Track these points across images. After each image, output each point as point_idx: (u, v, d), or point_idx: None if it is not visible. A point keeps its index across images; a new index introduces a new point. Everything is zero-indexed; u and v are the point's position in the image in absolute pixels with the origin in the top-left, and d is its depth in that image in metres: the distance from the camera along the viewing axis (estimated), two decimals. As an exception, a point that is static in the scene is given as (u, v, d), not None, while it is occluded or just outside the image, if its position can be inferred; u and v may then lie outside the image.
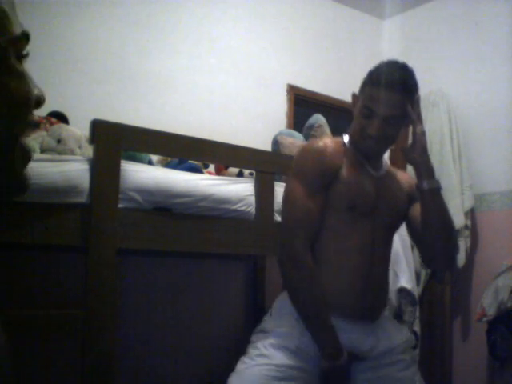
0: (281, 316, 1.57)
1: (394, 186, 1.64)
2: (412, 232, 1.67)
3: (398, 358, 1.57)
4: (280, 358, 1.47)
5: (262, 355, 1.49)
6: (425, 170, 1.51)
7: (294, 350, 1.49)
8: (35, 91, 0.60)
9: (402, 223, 1.69)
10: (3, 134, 0.55)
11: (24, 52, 0.58)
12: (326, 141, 1.59)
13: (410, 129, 1.56)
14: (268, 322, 1.59)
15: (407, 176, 1.71)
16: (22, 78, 0.58)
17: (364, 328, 1.55)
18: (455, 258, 1.74)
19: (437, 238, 1.54)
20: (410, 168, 1.99)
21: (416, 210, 1.60)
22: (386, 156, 2.65)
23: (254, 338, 1.58)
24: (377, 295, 1.60)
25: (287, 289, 1.55)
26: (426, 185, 1.50)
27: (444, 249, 1.57)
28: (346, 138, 1.62)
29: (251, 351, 1.53)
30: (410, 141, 1.57)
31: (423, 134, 1.50)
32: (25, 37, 0.57)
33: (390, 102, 1.48)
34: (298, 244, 1.48)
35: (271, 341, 1.51)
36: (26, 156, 0.59)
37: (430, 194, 1.51)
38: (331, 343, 1.46)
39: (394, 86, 1.47)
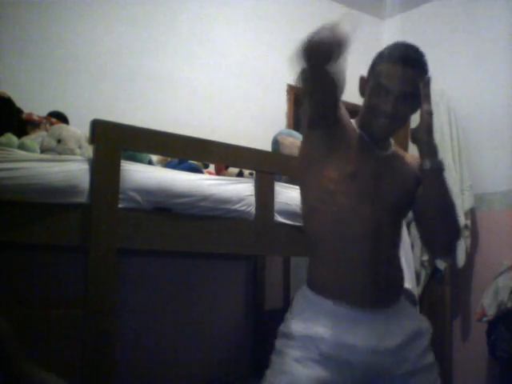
0: (302, 312, 1.49)
1: (401, 167, 1.59)
2: (414, 214, 1.61)
3: (422, 364, 1.50)
4: (305, 377, 1.39)
5: (285, 373, 1.41)
6: (427, 149, 1.47)
7: (318, 359, 1.41)
8: None
9: (409, 209, 1.62)
10: None
11: None
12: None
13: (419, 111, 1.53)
14: (290, 322, 1.50)
15: (415, 158, 1.64)
16: None
17: (374, 318, 1.47)
18: (456, 245, 1.68)
19: (437, 220, 1.50)
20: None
21: (420, 192, 1.55)
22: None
23: (278, 345, 1.50)
24: (388, 275, 1.52)
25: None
26: (428, 164, 1.47)
27: (444, 232, 1.51)
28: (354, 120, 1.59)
29: (277, 361, 1.45)
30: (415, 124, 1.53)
31: (430, 114, 1.46)
32: None
33: (405, 78, 1.45)
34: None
35: (294, 353, 1.43)
36: None
37: (432, 173, 1.47)
38: None
39: (408, 61, 1.45)
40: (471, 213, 3.41)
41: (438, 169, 1.47)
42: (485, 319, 3.02)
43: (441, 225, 1.51)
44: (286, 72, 3.72)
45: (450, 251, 1.68)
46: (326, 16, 4.39)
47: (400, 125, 1.53)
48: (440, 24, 3.88)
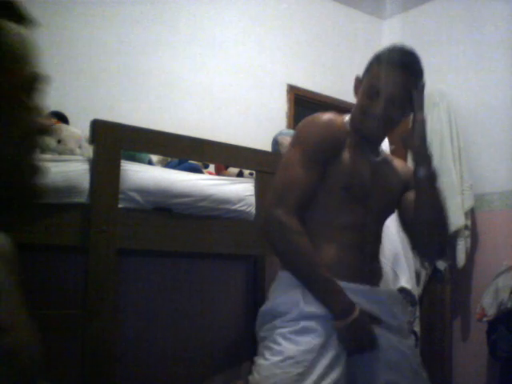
0: (281, 288, 1.54)
1: (390, 172, 1.63)
2: (403, 219, 1.65)
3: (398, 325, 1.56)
4: (294, 349, 1.40)
5: (277, 352, 1.42)
6: (422, 157, 1.50)
7: (300, 324, 1.43)
8: (42, 122, 0.75)
9: (394, 210, 1.68)
10: (15, 156, 0.70)
11: (36, 89, 0.74)
12: (332, 116, 1.55)
13: (411, 118, 1.54)
14: (270, 301, 1.56)
15: (403, 164, 1.70)
16: (33, 111, 0.73)
17: (366, 291, 1.52)
18: (446, 247, 1.72)
19: (429, 226, 1.52)
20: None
21: (409, 197, 1.59)
22: (386, 144, 2.64)
23: (263, 332, 1.53)
24: (372, 263, 1.59)
25: (278, 256, 1.52)
26: (422, 172, 1.49)
27: (436, 237, 1.55)
28: (347, 118, 1.59)
29: (264, 352, 1.47)
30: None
31: (423, 121, 1.48)
32: (41, 78, 0.74)
33: (398, 82, 1.46)
34: (283, 209, 1.43)
35: (278, 330, 1.45)
36: (35, 171, 0.73)
37: (426, 181, 1.49)
38: (339, 298, 1.41)
39: (402, 66, 1.47)
40: (471, 213, 3.41)
41: (432, 177, 1.50)
42: (485, 319, 3.02)
43: (434, 230, 1.54)
44: (286, 72, 3.73)
45: (440, 255, 1.70)
46: (327, 16, 4.41)
47: (391, 127, 1.55)
48: (440, 24, 3.88)
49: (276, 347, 1.44)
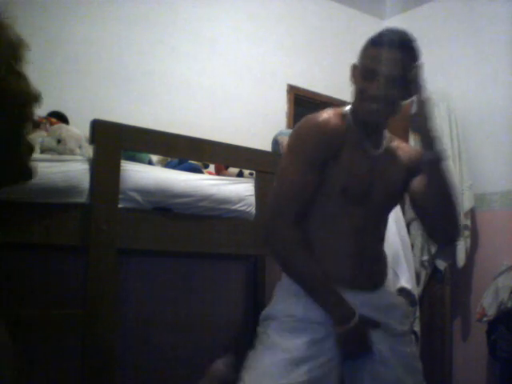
0: (281, 295, 1.56)
1: (392, 165, 1.58)
2: (414, 204, 1.61)
3: (401, 329, 1.55)
4: (286, 342, 1.43)
5: (272, 343, 1.45)
6: (427, 139, 1.44)
7: (302, 327, 1.45)
8: (31, 90, 0.68)
9: (397, 204, 1.66)
10: (9, 131, 0.64)
11: (23, 57, 0.68)
12: (329, 116, 1.52)
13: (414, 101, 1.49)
14: (269, 307, 1.57)
15: (408, 149, 1.64)
16: (21, 78, 0.67)
17: (365, 297, 1.52)
18: (460, 229, 1.71)
19: (440, 209, 1.49)
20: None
21: (418, 182, 1.55)
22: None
23: (260, 328, 1.55)
24: (372, 266, 1.58)
25: (280, 267, 1.54)
26: (427, 155, 1.45)
27: (448, 220, 1.52)
28: (347, 109, 1.57)
29: (262, 340, 1.49)
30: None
31: (425, 101, 1.43)
32: (25, 44, 0.69)
33: (393, 61, 1.43)
34: (283, 221, 1.45)
35: (277, 325, 1.48)
36: (29, 149, 0.69)
37: (432, 165, 1.45)
38: (339, 305, 1.43)
39: (397, 45, 1.44)
40: (471, 213, 3.41)
41: (437, 160, 1.45)
42: (485, 319, 3.03)
43: (445, 213, 1.50)
44: (286, 72, 3.73)
45: (454, 238, 1.69)
46: (326, 16, 4.41)
47: (390, 110, 1.50)
48: (440, 24, 3.88)
49: (268, 339, 1.47)
